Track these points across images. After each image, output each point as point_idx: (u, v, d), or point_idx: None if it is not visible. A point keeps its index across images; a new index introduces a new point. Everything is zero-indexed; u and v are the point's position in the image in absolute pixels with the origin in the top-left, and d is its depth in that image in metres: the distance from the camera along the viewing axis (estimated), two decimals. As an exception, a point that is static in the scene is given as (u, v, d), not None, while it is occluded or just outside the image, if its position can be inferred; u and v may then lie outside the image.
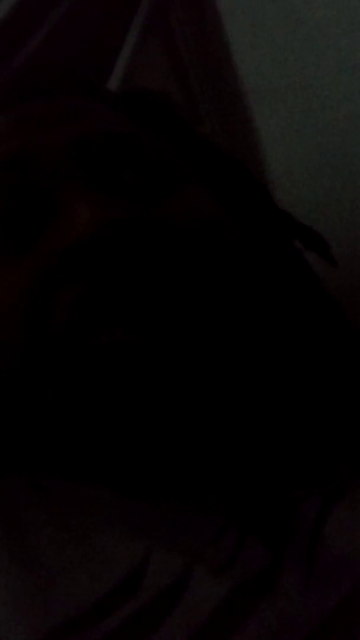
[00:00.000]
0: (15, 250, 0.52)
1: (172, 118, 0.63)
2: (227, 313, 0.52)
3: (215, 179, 0.59)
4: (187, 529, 0.51)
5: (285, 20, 0.93)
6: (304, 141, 0.93)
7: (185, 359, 0.50)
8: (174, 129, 0.61)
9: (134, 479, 0.53)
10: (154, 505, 0.52)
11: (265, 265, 0.58)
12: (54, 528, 0.52)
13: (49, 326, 0.50)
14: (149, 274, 0.50)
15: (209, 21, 0.97)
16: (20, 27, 0.92)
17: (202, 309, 0.51)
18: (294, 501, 0.53)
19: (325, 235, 0.62)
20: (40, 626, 0.47)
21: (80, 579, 0.49)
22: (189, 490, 0.53)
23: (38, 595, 0.49)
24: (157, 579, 0.49)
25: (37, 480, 0.54)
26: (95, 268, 0.50)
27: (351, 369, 0.60)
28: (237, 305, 0.53)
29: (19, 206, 0.53)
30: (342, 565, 0.50)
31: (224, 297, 0.52)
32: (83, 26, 0.94)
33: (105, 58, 0.95)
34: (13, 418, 0.54)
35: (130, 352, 0.49)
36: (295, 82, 0.94)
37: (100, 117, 0.58)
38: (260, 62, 0.95)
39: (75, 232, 0.50)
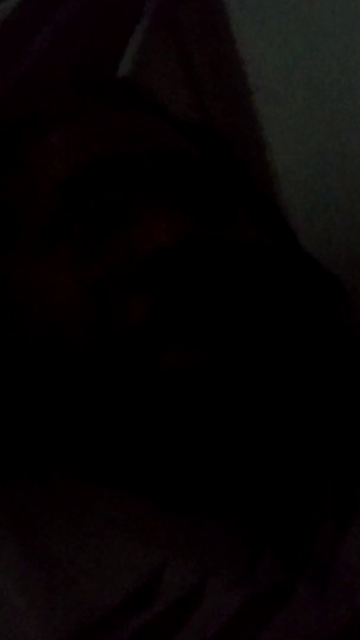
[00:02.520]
0: (89, 252, 0.53)
1: (228, 154, 0.65)
2: (280, 330, 0.53)
3: (258, 214, 0.61)
4: (202, 543, 0.52)
5: (294, 19, 0.93)
6: (312, 139, 0.93)
7: (227, 381, 0.51)
8: (230, 164, 0.63)
9: (155, 488, 0.53)
10: (172, 516, 0.53)
11: (302, 292, 0.59)
12: (70, 536, 0.52)
13: (116, 329, 0.51)
14: (220, 291, 0.52)
15: (216, 19, 0.96)
16: (25, 26, 0.92)
17: (265, 330, 0.52)
18: (312, 520, 0.54)
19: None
20: (58, 631, 0.48)
21: (96, 587, 0.50)
22: (209, 503, 0.53)
23: (55, 601, 0.50)
24: (173, 589, 0.50)
25: (53, 485, 0.55)
26: (172, 278, 0.51)
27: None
28: (285, 324, 0.54)
29: (98, 210, 0.54)
30: (356, 581, 0.51)
31: (278, 317, 0.54)
32: (88, 24, 0.94)
33: (112, 56, 0.94)
34: (34, 416, 0.54)
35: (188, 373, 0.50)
36: (305, 80, 0.94)
37: (175, 138, 0.60)
38: (268, 61, 0.94)
39: (156, 240, 0.51)
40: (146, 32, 0.96)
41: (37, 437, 0.55)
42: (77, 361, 0.51)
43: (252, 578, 0.51)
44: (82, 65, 0.89)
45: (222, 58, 0.97)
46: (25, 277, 0.54)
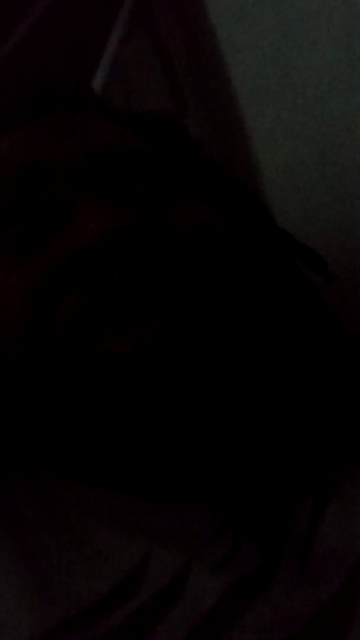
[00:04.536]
0: (27, 254, 0.55)
1: (176, 137, 0.65)
2: (227, 319, 0.54)
3: (217, 197, 0.62)
4: (185, 529, 0.53)
5: (274, 15, 0.93)
6: (291, 134, 0.94)
7: (186, 364, 0.52)
8: (178, 147, 0.64)
9: (134, 479, 0.54)
10: (154, 506, 0.54)
11: (264, 275, 0.60)
12: (55, 529, 0.53)
13: (53, 327, 0.52)
14: (151, 280, 0.53)
15: (194, 14, 0.97)
16: (2, 24, 0.92)
17: (203, 317, 0.53)
18: (287, 504, 0.54)
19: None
20: (45, 621, 0.49)
21: (82, 579, 0.51)
22: (188, 490, 0.54)
23: (42, 592, 0.50)
24: (157, 578, 0.50)
25: (38, 481, 0.56)
26: (101, 273, 0.52)
27: (344, 372, 0.62)
28: (236, 312, 0.55)
29: (32, 213, 0.56)
30: (335, 560, 0.51)
31: (224, 304, 0.54)
32: (67, 21, 0.94)
33: (91, 54, 0.94)
34: (14, 417, 0.56)
35: (132, 356, 0.51)
36: (283, 71, 0.94)
37: (110, 133, 0.61)
38: (249, 57, 0.95)
39: (83, 238, 0.53)
40: (125, 30, 0.96)
41: (15, 435, 0.57)
42: (20, 362, 0.54)
43: (235, 562, 0.51)
44: (50, 71, 0.89)
45: (201, 53, 0.97)
46: None
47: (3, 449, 0.57)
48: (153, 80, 0.97)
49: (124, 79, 0.95)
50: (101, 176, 0.57)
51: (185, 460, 0.54)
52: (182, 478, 0.55)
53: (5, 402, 0.55)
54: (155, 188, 0.57)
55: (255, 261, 0.60)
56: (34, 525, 0.54)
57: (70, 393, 0.52)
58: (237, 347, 0.54)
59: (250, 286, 0.57)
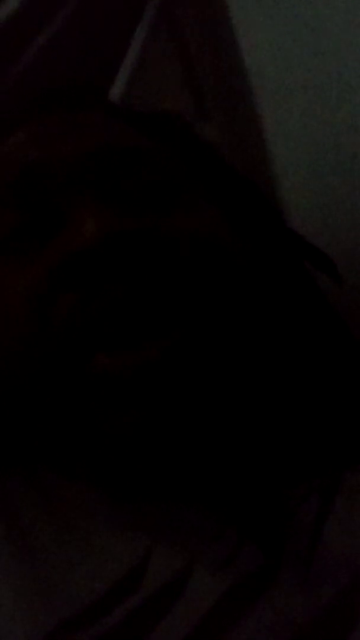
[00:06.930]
0: (25, 256, 0.55)
1: (184, 136, 0.65)
2: (227, 323, 0.54)
3: (225, 197, 0.61)
4: (187, 528, 0.53)
5: (298, 18, 0.93)
6: (311, 139, 0.93)
7: (183, 367, 0.52)
8: (185, 147, 0.63)
9: (134, 481, 0.54)
10: (155, 505, 0.54)
11: (268, 280, 0.59)
12: (55, 528, 0.54)
13: (51, 329, 0.53)
14: (148, 284, 0.53)
15: (216, 19, 0.97)
16: (25, 28, 0.92)
17: (201, 321, 0.53)
18: (291, 504, 0.54)
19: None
20: (43, 623, 0.49)
21: (82, 577, 0.51)
22: (190, 491, 0.54)
23: (41, 593, 0.51)
24: (158, 577, 0.51)
25: (38, 480, 0.56)
26: (96, 276, 0.52)
27: (350, 375, 0.61)
28: (236, 316, 0.55)
29: (31, 214, 0.56)
30: (339, 562, 0.51)
31: (222, 311, 0.54)
32: (88, 27, 0.94)
33: (112, 57, 0.95)
34: (13, 418, 0.56)
35: (129, 361, 0.51)
36: (305, 80, 0.93)
37: (113, 132, 0.61)
38: (268, 60, 0.95)
39: (79, 240, 0.53)
40: (147, 34, 0.96)
41: (15, 435, 0.57)
42: (19, 363, 0.54)
43: (237, 563, 0.51)
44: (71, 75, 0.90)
45: (222, 59, 0.97)
46: None
47: (3, 449, 0.57)
48: (173, 84, 0.97)
49: (144, 82, 0.95)
50: (102, 177, 0.56)
51: (187, 461, 0.54)
52: (184, 479, 0.54)
53: (5, 402, 0.55)
54: (158, 189, 0.57)
55: (259, 265, 0.59)
56: (34, 526, 0.54)
57: (69, 394, 0.52)
58: (236, 349, 0.54)
59: (251, 292, 0.56)
